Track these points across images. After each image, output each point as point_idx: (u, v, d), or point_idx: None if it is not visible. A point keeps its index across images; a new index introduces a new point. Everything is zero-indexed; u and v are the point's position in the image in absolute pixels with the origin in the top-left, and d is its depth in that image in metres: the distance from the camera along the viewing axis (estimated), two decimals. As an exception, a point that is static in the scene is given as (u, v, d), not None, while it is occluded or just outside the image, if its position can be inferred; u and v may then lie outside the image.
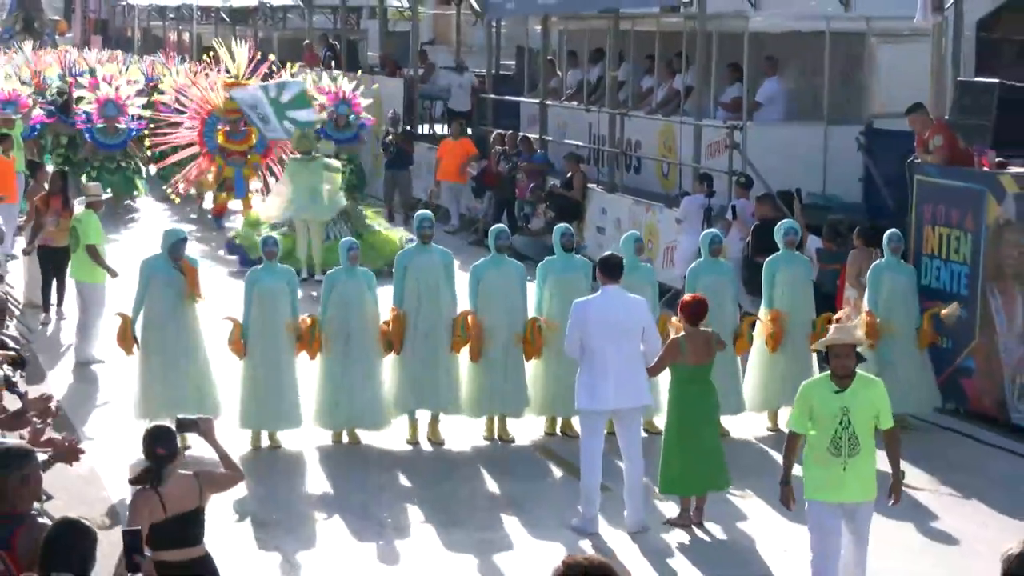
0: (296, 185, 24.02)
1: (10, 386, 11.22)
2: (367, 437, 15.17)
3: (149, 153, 30.37)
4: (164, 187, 30.36)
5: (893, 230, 16.22)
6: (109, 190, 30.48)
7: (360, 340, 15.01)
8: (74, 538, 6.83)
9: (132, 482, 8.81)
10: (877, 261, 16.11)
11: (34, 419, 9.46)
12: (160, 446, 8.67)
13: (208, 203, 29.63)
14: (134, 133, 31.05)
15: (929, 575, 12.08)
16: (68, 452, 8.59)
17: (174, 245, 15.06)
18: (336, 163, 25.18)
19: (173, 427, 8.93)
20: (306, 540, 12.66)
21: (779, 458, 14.72)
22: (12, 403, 10.44)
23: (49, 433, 9.09)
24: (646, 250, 17.62)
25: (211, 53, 31.19)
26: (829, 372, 10.41)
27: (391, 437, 15.21)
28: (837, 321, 15.86)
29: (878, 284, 15.95)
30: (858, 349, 10.48)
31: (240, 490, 13.58)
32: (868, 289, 15.99)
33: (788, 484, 10.63)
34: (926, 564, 12.25)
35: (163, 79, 33.07)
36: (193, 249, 18.17)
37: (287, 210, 24.02)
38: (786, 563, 12.08)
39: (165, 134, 28.56)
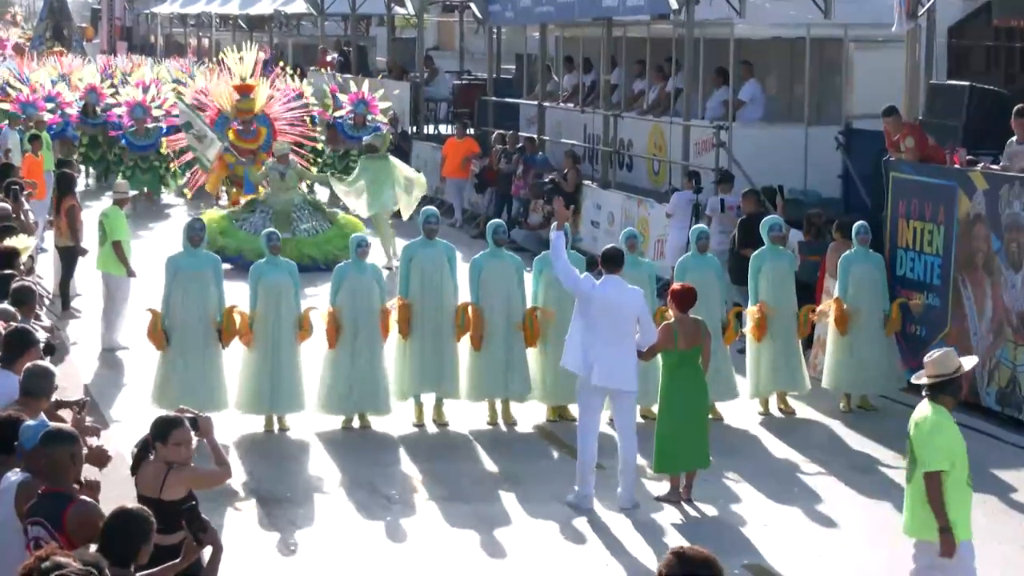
0: (369, 182, 23.61)
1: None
2: (374, 421, 15.09)
3: (164, 151, 30.20)
4: (178, 184, 30.29)
5: (861, 222, 16.20)
6: (146, 189, 30.49)
7: (367, 332, 14.90)
8: (133, 527, 6.98)
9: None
10: (847, 252, 16.05)
11: (73, 410, 9.55)
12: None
13: (224, 200, 29.49)
14: (164, 132, 30.91)
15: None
16: (97, 457, 8.59)
17: (190, 228, 15.04)
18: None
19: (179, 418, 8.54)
20: (315, 516, 12.59)
21: (766, 439, 14.79)
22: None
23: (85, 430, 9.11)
24: (638, 244, 17.35)
25: (221, 57, 31.06)
26: (942, 405, 9.17)
27: (397, 420, 15.14)
28: (817, 313, 15.90)
29: (847, 273, 15.92)
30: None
31: (251, 470, 13.57)
32: (838, 278, 15.96)
33: (952, 529, 9.07)
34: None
35: (190, 81, 32.88)
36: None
37: (370, 208, 23.68)
38: (767, 536, 12.05)
39: (179, 130, 28.40)
